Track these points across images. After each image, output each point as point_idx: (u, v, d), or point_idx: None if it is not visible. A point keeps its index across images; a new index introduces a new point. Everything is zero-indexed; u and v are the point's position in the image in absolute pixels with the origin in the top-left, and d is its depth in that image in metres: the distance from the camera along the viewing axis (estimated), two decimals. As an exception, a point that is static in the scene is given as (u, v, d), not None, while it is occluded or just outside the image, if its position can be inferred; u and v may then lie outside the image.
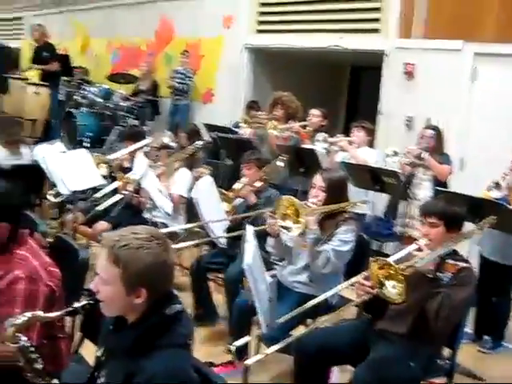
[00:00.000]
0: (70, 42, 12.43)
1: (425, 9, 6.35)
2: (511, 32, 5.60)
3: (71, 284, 2.53)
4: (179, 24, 9.69)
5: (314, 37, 7.53)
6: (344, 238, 3.46)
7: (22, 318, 1.73)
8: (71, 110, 9.11)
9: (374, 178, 4.65)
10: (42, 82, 8.61)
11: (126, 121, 9.20)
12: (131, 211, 4.83)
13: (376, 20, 6.91)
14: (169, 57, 9.88)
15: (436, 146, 4.95)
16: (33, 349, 1.76)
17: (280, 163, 4.62)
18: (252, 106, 7.68)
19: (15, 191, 2.42)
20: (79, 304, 1.76)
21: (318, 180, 3.60)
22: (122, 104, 9.03)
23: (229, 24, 8.75)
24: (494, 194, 3.83)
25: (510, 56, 5.66)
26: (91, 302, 1.76)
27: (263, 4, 8.31)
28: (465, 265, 2.90)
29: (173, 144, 5.08)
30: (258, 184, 4.37)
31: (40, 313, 1.81)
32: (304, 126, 5.88)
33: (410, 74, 6.44)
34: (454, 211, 2.96)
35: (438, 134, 4.99)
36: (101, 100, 9.01)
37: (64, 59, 9.30)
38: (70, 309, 1.77)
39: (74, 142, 8.49)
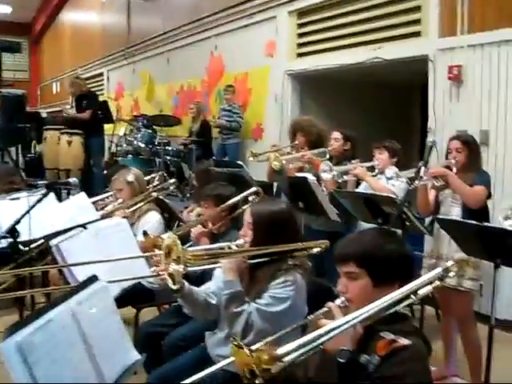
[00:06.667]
0: (139, 91, 12.40)
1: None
2: None
3: None
4: (227, 57, 9.11)
5: (351, 52, 6.60)
6: (277, 294, 2.48)
7: None
8: (117, 158, 8.78)
9: (372, 208, 3.56)
10: (74, 131, 8.29)
11: (177, 165, 8.73)
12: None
13: (416, 22, 5.84)
14: (221, 94, 9.28)
15: (467, 161, 3.77)
16: None
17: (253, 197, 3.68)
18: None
19: None
20: None
21: (246, 215, 2.67)
22: (167, 148, 8.51)
23: (272, 52, 8.00)
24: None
25: None
26: None
27: (301, 25, 7.52)
28: (406, 342, 1.78)
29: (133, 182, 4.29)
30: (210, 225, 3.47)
31: None
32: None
33: (456, 79, 5.25)
34: (382, 252, 1.89)
35: (469, 146, 3.81)
36: (143, 145, 8.53)
37: (103, 107, 8.98)
38: None
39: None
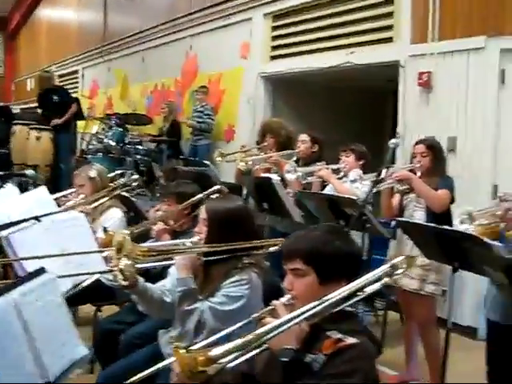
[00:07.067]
0: (114, 90, 12.29)
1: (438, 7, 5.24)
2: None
3: None
4: (202, 58, 9.05)
5: (324, 56, 6.61)
6: (230, 293, 2.45)
7: None
8: (87, 155, 8.68)
9: (334, 209, 3.54)
10: (43, 126, 8.17)
11: (147, 164, 8.64)
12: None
13: (388, 27, 5.86)
14: (193, 95, 9.21)
15: (432, 165, 3.77)
16: None
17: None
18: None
19: None
20: None
21: (202, 212, 2.63)
22: (138, 147, 8.43)
23: (246, 54, 7.96)
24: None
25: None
26: None
27: (275, 27, 7.50)
28: (353, 341, 1.73)
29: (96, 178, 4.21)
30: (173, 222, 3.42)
31: None
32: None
33: (426, 85, 5.27)
34: (330, 249, 1.86)
35: (434, 150, 3.82)
36: (114, 143, 8.43)
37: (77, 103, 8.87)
38: None
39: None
